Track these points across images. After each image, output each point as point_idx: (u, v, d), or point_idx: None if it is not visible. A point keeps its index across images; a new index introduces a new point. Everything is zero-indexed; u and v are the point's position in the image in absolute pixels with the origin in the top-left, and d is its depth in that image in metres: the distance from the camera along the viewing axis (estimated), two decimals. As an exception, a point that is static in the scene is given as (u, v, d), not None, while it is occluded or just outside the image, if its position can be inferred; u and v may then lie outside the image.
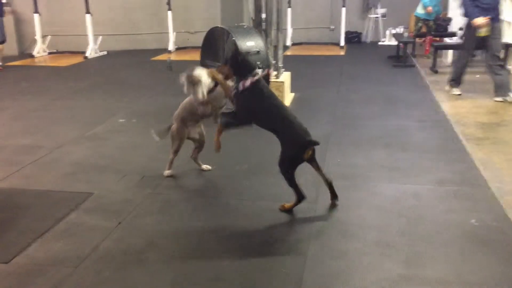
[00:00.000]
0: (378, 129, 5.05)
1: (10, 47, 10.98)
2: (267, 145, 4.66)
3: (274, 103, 3.25)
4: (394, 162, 4.12)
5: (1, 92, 7.24)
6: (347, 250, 2.79)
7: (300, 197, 3.20)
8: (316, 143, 3.15)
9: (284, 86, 6.06)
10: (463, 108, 5.80)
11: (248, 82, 3.14)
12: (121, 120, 5.56)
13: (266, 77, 3.23)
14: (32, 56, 10.56)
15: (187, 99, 3.77)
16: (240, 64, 3.22)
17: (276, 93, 5.90)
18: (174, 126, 3.82)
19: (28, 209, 3.38)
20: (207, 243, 2.91)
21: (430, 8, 9.09)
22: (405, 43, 9.00)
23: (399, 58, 9.21)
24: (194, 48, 10.59)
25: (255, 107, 3.21)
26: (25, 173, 4.04)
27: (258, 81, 3.18)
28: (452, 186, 3.62)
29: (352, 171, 3.94)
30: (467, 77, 6.64)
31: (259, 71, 3.22)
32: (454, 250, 2.77)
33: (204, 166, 3.99)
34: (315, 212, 3.26)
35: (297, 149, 3.14)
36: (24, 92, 7.19)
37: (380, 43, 11.75)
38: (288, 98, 6.27)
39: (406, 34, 9.82)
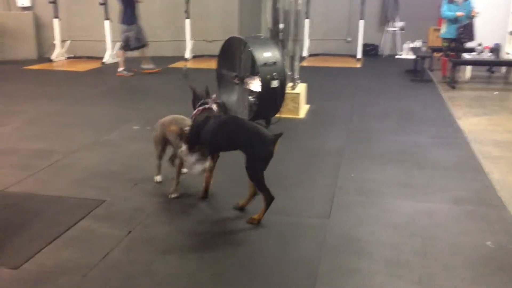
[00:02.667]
0: (393, 144, 4.99)
1: (30, 51, 11.15)
2: (282, 158, 4.63)
3: (225, 121, 3.50)
4: (409, 178, 4.06)
5: (19, 96, 7.32)
6: (358, 268, 2.74)
7: (271, 198, 3.22)
8: (281, 134, 3.22)
9: (299, 98, 6.04)
10: (479, 125, 5.71)
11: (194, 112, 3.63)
12: (135, 127, 5.57)
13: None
14: (50, 61, 10.67)
15: (168, 119, 3.81)
16: (193, 102, 3.72)
17: (291, 104, 5.97)
18: (155, 133, 3.89)
19: (39, 215, 3.39)
20: (217, 256, 2.88)
21: (460, 13, 8.28)
22: (423, 58, 8.93)
23: (416, 72, 9.13)
24: (210, 56, 10.62)
25: (201, 129, 3.44)
26: (38, 178, 4.06)
27: (205, 109, 3.59)
28: (467, 205, 3.55)
29: (365, 187, 3.89)
30: (484, 94, 6.56)
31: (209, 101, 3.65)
32: (468, 272, 2.71)
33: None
34: (327, 228, 3.21)
35: (267, 145, 3.18)
36: (41, 96, 7.25)
37: (397, 56, 11.67)
38: (303, 110, 6.25)
39: (424, 48, 9.75)
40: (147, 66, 9.23)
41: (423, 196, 3.72)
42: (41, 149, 4.78)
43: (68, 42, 11.12)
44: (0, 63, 10.37)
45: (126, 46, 8.93)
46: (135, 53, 9.26)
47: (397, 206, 3.55)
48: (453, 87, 7.88)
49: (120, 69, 9.03)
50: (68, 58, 11.15)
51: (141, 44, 9.04)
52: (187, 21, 10.97)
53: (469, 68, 8.76)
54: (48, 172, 4.20)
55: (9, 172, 4.16)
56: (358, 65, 10.63)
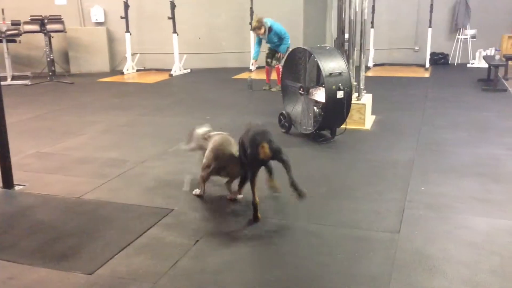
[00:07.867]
0: (466, 157, 4.77)
1: (103, 64, 11.72)
2: (348, 169, 4.56)
3: None
4: (486, 193, 3.85)
5: (93, 107, 7.69)
6: (432, 287, 2.61)
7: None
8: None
9: (365, 108, 5.92)
10: None
11: None
12: (202, 138, 5.66)
13: None
14: (122, 73, 11.15)
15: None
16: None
17: (357, 115, 5.88)
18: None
19: (112, 222, 3.51)
20: (286, 268, 2.85)
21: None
22: (496, 66, 8.51)
23: (489, 81, 8.72)
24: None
25: None
26: (111, 186, 4.22)
27: None
28: (552, 223, 3.31)
29: (438, 201, 3.72)
30: None
31: None
32: (555, 296, 2.52)
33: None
34: (397, 243, 3.10)
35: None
36: (114, 107, 7.58)
37: (469, 65, 11.21)
38: (369, 121, 6.12)
39: (497, 57, 9.30)
40: None
41: (502, 213, 3.51)
42: (114, 158, 4.98)
43: (138, 55, 11.58)
44: (76, 75, 10.97)
45: None
46: None
47: (473, 223, 3.37)
48: (531, 97, 7.44)
49: None
50: (138, 70, 11.60)
51: None
52: (252, 33, 11.10)
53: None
54: (121, 180, 4.36)
55: (85, 180, 4.35)
56: (427, 74, 10.30)
